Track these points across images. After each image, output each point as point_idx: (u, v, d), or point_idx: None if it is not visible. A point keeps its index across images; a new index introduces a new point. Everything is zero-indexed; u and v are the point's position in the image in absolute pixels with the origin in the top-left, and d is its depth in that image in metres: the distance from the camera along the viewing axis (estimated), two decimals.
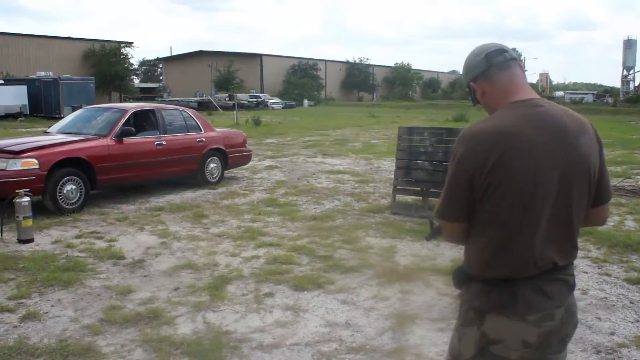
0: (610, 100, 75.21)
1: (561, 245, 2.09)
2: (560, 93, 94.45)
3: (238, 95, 50.15)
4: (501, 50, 2.14)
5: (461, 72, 2.27)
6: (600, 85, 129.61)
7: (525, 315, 2.05)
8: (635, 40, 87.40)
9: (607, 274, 6.12)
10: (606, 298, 5.44)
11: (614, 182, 11.57)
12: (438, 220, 2.31)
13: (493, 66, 2.13)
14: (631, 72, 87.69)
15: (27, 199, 7.24)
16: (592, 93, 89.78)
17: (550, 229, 2.05)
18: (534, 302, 2.05)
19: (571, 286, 2.16)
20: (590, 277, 6.03)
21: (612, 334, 4.65)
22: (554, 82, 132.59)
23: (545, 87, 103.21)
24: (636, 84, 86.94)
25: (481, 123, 2.13)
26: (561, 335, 2.16)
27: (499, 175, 1.99)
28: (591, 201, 2.16)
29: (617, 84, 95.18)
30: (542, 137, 2.02)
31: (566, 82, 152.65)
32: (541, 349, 2.11)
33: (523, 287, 2.05)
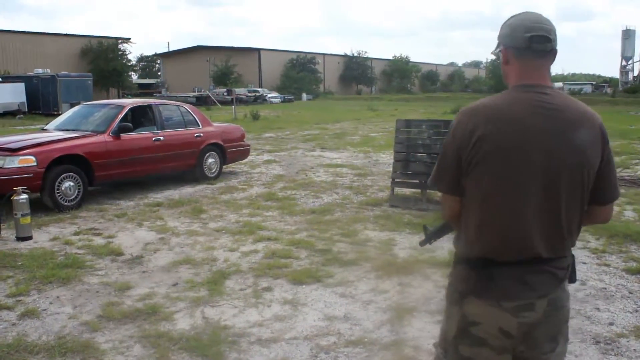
0: (609, 90, 75.12)
1: (548, 237, 2.07)
2: (559, 84, 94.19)
3: (236, 90, 50.14)
4: (546, 38, 2.10)
5: (501, 26, 2.22)
6: (599, 76, 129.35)
7: (500, 301, 2.07)
8: (634, 30, 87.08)
9: (606, 265, 6.12)
10: (605, 288, 5.44)
11: None
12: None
13: (531, 49, 2.10)
14: (630, 62, 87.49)
15: (25, 196, 7.22)
16: (591, 84, 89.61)
17: (536, 218, 2.04)
18: (511, 289, 2.06)
19: (559, 279, 2.13)
20: (589, 267, 6.03)
21: (611, 324, 4.65)
22: (553, 74, 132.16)
23: None
24: (635, 74, 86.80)
25: (482, 100, 2.16)
26: (550, 332, 2.14)
27: (483, 150, 2.02)
28: (588, 197, 2.13)
29: (616, 74, 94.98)
30: (536, 122, 2.02)
31: (565, 73, 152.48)
32: (529, 345, 2.12)
33: (501, 272, 2.07)
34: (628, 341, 4.35)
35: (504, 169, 2.01)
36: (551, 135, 2.02)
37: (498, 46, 2.22)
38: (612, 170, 2.17)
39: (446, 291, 2.29)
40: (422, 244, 2.65)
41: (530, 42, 2.08)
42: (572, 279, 2.23)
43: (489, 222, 2.07)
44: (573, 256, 2.21)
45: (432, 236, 2.57)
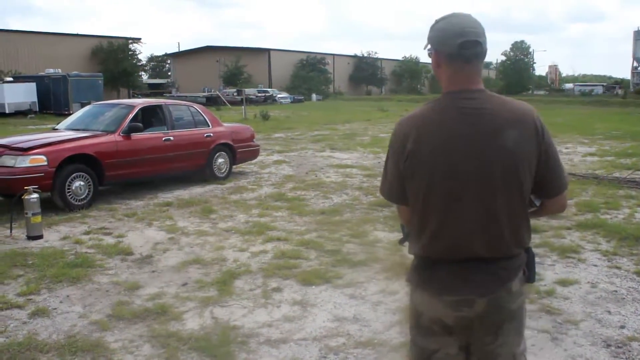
0: (620, 92, 74.63)
1: (488, 238, 2.11)
2: (569, 85, 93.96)
3: (246, 90, 50.22)
4: (476, 43, 2.10)
5: (430, 28, 2.22)
6: (610, 77, 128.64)
7: (441, 295, 2.16)
8: None
9: (617, 267, 6.07)
10: (616, 291, 5.40)
11: (623, 174, 11.50)
12: None
13: (461, 56, 2.11)
14: None
15: (35, 195, 7.26)
16: (602, 85, 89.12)
17: (472, 220, 2.10)
18: (451, 284, 2.15)
19: (502, 280, 2.15)
20: (600, 270, 5.99)
21: (622, 327, 4.61)
22: (563, 74, 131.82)
23: (554, 80, 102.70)
24: None
25: (414, 111, 2.24)
26: (489, 329, 2.19)
27: (414, 161, 2.11)
28: (528, 195, 2.16)
29: (627, 75, 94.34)
30: (461, 128, 2.08)
31: (575, 74, 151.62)
32: (470, 338, 2.20)
33: (441, 269, 2.17)
34: None
35: (435, 176, 2.09)
36: (476, 139, 2.07)
37: (427, 47, 2.24)
38: (555, 163, 2.18)
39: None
40: (401, 242, 2.67)
41: (461, 48, 2.10)
42: (531, 279, 2.26)
43: (428, 226, 2.15)
44: (530, 255, 2.24)
45: (409, 234, 2.60)
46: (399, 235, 7.64)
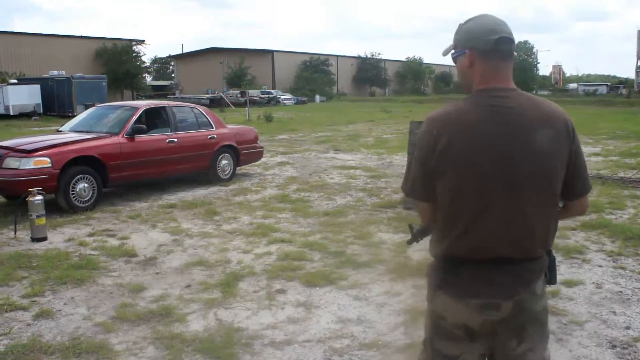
0: (624, 91, 74.49)
1: (517, 239, 2.09)
2: (573, 85, 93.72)
3: (250, 91, 50.24)
4: (511, 41, 2.13)
5: (457, 30, 2.22)
6: (614, 77, 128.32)
7: (465, 298, 2.12)
8: None
9: (622, 268, 6.05)
10: (621, 292, 5.38)
11: (628, 174, 11.46)
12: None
13: (498, 52, 2.11)
14: None
15: (40, 197, 7.27)
16: (606, 85, 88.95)
17: (501, 221, 2.07)
18: (477, 287, 2.11)
19: (527, 282, 2.14)
20: (605, 270, 5.97)
21: (628, 328, 4.60)
22: (567, 74, 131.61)
23: (558, 79, 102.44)
24: None
25: (444, 107, 2.19)
26: (514, 332, 2.15)
27: (445, 160, 2.07)
28: (558, 196, 2.15)
29: (631, 75, 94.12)
30: (495, 127, 2.05)
31: (579, 74, 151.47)
32: (495, 342, 2.15)
33: (466, 270, 2.13)
34: None
35: (466, 175, 2.06)
36: (509, 138, 2.05)
37: (453, 50, 2.22)
38: (582, 165, 2.19)
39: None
40: (409, 242, 2.66)
41: (498, 44, 2.10)
42: (552, 281, 2.25)
43: (455, 225, 2.11)
44: (552, 258, 2.23)
45: (418, 235, 2.59)
46: (403, 237, 7.63)
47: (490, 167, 2.04)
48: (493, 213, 2.06)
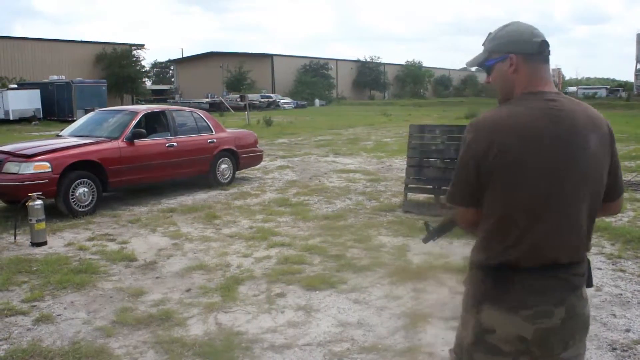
0: (623, 94, 74.59)
1: (568, 242, 2.07)
2: (572, 88, 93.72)
3: (249, 95, 50.22)
4: (548, 44, 2.12)
5: (494, 37, 2.19)
6: (614, 80, 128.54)
7: (518, 310, 2.06)
8: None
9: (621, 270, 6.05)
10: (621, 294, 5.38)
11: (627, 177, 11.46)
12: (449, 206, 2.30)
13: (541, 55, 2.11)
14: None
15: (39, 202, 7.27)
16: (606, 88, 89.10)
17: (556, 224, 2.04)
18: (528, 297, 2.05)
19: (575, 286, 2.12)
20: (605, 273, 5.97)
21: (628, 330, 4.60)
22: (567, 78, 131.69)
23: (557, 83, 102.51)
24: None
25: (492, 112, 2.13)
26: (564, 338, 2.12)
27: (502, 164, 2.00)
28: (603, 197, 2.14)
29: (630, 78, 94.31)
30: (551, 130, 2.02)
31: (579, 77, 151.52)
32: (541, 348, 2.09)
33: (518, 280, 2.06)
34: None
35: (523, 178, 2.01)
36: (564, 142, 2.02)
37: (493, 56, 2.18)
38: (619, 168, 2.20)
39: (462, 298, 2.28)
40: (425, 240, 2.65)
41: (542, 46, 2.09)
42: (589, 284, 2.22)
43: (509, 231, 2.05)
44: (588, 260, 2.20)
45: (435, 233, 2.57)
46: (402, 240, 7.62)
47: (550, 171, 2.01)
48: (550, 217, 2.03)
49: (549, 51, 2.12)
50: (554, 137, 2.01)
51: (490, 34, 2.22)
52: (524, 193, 2.02)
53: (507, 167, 2.00)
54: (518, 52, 2.11)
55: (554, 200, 2.03)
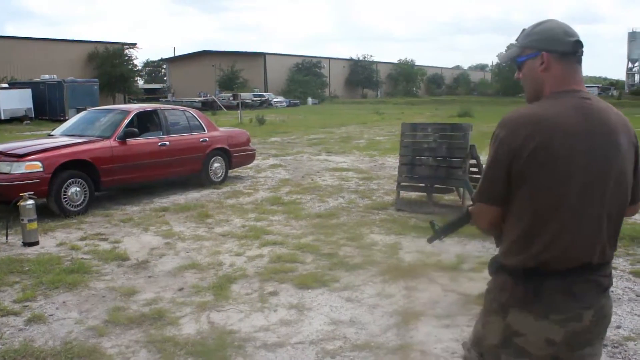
0: (615, 93, 74.94)
1: (599, 243, 2.06)
2: None
3: (242, 94, 50.17)
4: (582, 44, 2.11)
5: (528, 33, 2.17)
6: (605, 79, 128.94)
7: (549, 315, 2.04)
8: None
9: (612, 267, 6.07)
10: (612, 291, 5.39)
11: None
12: (472, 205, 2.26)
13: (575, 54, 2.09)
14: (636, 64, 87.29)
15: (31, 201, 7.25)
16: (597, 86, 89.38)
17: (589, 224, 2.03)
18: (559, 302, 2.03)
19: (604, 288, 2.12)
20: None
21: (618, 327, 4.63)
22: None
23: None
24: None
25: (524, 109, 2.11)
26: (592, 339, 2.13)
27: (536, 161, 1.97)
28: (630, 197, 2.14)
29: (622, 76, 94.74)
30: (586, 129, 2.00)
31: None
32: (569, 349, 2.10)
33: (549, 284, 2.03)
34: (635, 344, 4.33)
35: (559, 177, 1.98)
36: (601, 141, 2.01)
37: (526, 53, 2.16)
38: None
39: (485, 299, 2.26)
40: (430, 240, 2.62)
41: (576, 46, 2.08)
42: (611, 283, 2.23)
43: (542, 232, 2.02)
44: None
45: (441, 233, 2.54)
46: (395, 239, 7.63)
47: (585, 169, 1.98)
48: (585, 217, 2.02)
49: (582, 51, 2.09)
50: (589, 135, 2.00)
51: (524, 30, 2.20)
52: (557, 192, 1.99)
53: (541, 164, 1.97)
54: (550, 50, 2.10)
55: (589, 200, 2.01)
